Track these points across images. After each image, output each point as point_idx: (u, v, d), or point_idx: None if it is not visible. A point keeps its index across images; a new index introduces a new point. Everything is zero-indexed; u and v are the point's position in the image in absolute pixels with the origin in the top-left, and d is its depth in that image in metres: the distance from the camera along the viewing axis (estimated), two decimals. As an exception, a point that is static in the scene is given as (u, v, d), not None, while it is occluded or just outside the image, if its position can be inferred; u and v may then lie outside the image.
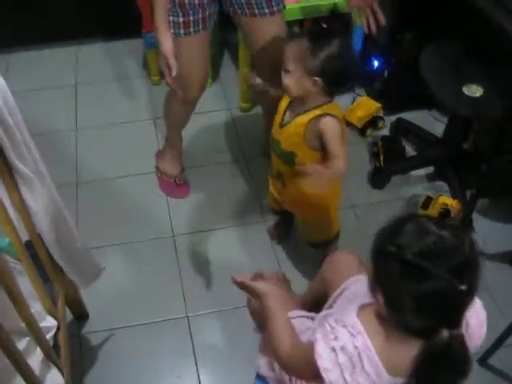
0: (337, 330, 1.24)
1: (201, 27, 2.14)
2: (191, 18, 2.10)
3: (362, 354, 1.21)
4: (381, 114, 2.96)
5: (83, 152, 2.86)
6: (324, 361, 1.23)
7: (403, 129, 2.93)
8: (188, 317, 2.22)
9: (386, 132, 2.94)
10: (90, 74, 3.35)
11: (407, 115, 2.98)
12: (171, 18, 2.06)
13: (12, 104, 1.41)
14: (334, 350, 1.22)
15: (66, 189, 2.62)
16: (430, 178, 2.75)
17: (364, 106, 2.94)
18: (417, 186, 2.71)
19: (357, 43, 2.96)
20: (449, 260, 1.11)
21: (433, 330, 1.16)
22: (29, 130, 1.46)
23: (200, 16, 2.11)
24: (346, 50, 1.83)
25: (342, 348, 1.22)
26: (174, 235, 2.50)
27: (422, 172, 2.77)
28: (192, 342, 2.15)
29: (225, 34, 3.36)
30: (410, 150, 2.86)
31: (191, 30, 2.13)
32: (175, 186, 2.68)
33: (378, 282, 1.20)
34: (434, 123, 2.97)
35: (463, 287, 1.09)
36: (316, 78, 1.79)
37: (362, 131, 2.89)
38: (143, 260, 2.41)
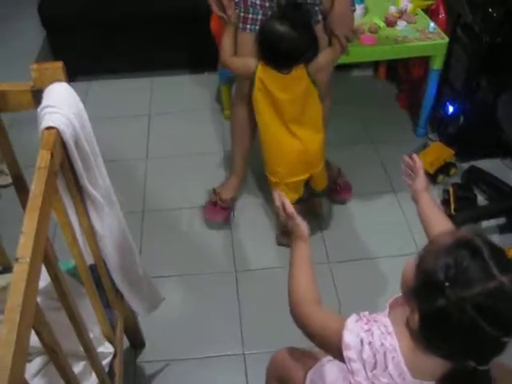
0: (371, 323, 1.20)
1: (257, 27, 2.18)
2: (250, 16, 2.18)
3: (387, 354, 1.16)
4: (453, 161, 2.89)
5: (152, 181, 2.90)
6: (350, 351, 1.18)
7: (475, 177, 2.85)
8: (244, 355, 2.19)
9: (457, 179, 2.86)
10: (165, 104, 3.43)
11: (480, 163, 2.91)
12: (237, 10, 2.19)
13: (88, 129, 1.43)
14: (362, 342, 1.17)
15: (132, 216, 2.64)
16: (502, 229, 2.65)
17: (436, 151, 2.88)
18: (488, 236, 2.61)
19: (432, 88, 2.92)
20: (506, 319, 1.05)
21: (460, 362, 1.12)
22: (102, 155, 1.48)
23: (259, 17, 2.17)
24: (278, 36, 2.06)
25: (370, 343, 1.17)
26: (236, 270, 2.48)
27: (493, 222, 2.68)
28: (247, 381, 2.11)
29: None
30: (481, 199, 2.78)
31: (247, 26, 2.21)
32: (216, 208, 2.67)
33: (419, 304, 1.13)
34: (507, 172, 2.89)
35: (507, 339, 1.05)
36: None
37: (433, 177, 2.83)
38: (203, 293, 2.40)
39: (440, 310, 1.07)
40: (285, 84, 2.19)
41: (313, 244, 2.50)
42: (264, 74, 2.17)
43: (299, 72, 2.18)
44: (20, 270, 0.98)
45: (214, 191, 2.72)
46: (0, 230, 2.00)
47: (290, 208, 1.51)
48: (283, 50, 2.09)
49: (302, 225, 1.50)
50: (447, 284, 1.06)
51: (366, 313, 1.25)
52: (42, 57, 3.62)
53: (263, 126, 2.32)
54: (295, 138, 2.28)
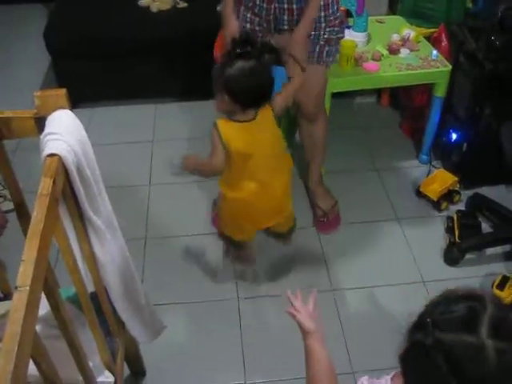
0: None
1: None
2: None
3: None
4: (457, 188, 2.88)
5: (155, 207, 2.89)
6: None
7: (480, 204, 2.83)
8: (246, 384, 2.16)
9: (461, 206, 2.85)
10: (167, 131, 3.43)
11: (484, 190, 2.90)
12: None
13: (91, 156, 1.43)
14: None
15: (135, 243, 2.64)
16: (507, 256, 2.63)
17: (440, 178, 2.88)
18: (492, 264, 2.59)
19: (435, 115, 2.93)
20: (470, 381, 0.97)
21: None
22: (104, 181, 1.48)
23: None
24: (247, 72, 1.93)
25: None
26: (238, 298, 2.46)
27: (498, 250, 2.65)
28: (248, 410, 2.08)
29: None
30: (486, 226, 2.76)
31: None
32: None
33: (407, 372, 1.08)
34: (511, 199, 2.87)
35: None
36: (224, 95, 1.97)
37: (437, 204, 2.82)
38: (205, 321, 2.38)
39: (416, 344, 1.03)
40: (250, 138, 2.05)
41: (316, 271, 2.52)
42: (227, 135, 2.04)
43: (264, 116, 2.06)
44: (19, 298, 0.97)
45: (215, 202, 2.72)
46: (4, 255, 2.00)
47: (292, 310, 1.49)
48: (257, 85, 1.97)
49: (306, 321, 1.44)
50: (429, 320, 1.02)
51: (366, 377, 1.22)
52: (47, 83, 3.65)
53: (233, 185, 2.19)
54: (262, 187, 2.14)
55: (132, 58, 3.42)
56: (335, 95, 2.78)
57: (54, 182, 1.21)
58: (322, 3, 2.24)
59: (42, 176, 1.22)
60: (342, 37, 2.44)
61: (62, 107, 1.39)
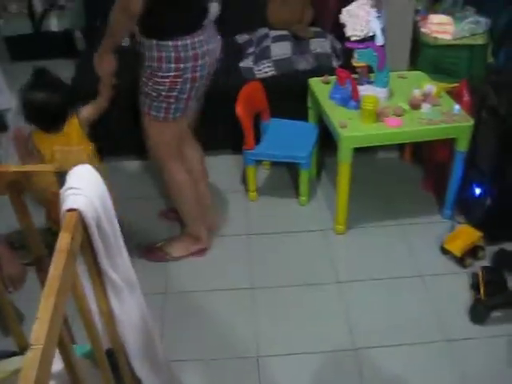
0: None
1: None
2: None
3: None
4: (481, 243, 2.83)
5: (174, 263, 2.87)
6: None
7: (505, 259, 2.77)
8: None
9: (486, 262, 2.79)
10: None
11: (509, 245, 2.84)
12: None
13: (110, 211, 1.43)
14: None
15: (154, 298, 2.62)
16: (535, 315, 2.56)
17: (464, 234, 2.83)
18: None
19: (458, 170, 2.90)
20: None
21: None
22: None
23: None
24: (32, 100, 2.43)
25: None
26: (258, 356, 2.41)
27: (525, 308, 2.59)
28: None
29: (323, 154, 3.42)
30: (512, 283, 2.70)
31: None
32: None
33: None
34: (539, 256, 2.81)
35: None
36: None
37: (461, 260, 2.77)
38: (223, 379, 2.33)
39: None
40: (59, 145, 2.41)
41: (338, 329, 2.46)
42: (40, 144, 2.51)
43: (71, 129, 2.53)
44: (32, 356, 0.96)
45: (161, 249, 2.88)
46: (25, 306, 1.98)
47: None
48: (52, 111, 2.45)
49: None
50: None
51: None
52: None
53: None
54: None
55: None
56: (357, 150, 2.77)
57: (72, 238, 1.20)
58: (154, 55, 2.31)
59: (61, 231, 1.22)
60: (169, 96, 2.39)
61: (82, 162, 1.39)
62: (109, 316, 1.48)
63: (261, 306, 2.63)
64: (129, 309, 1.51)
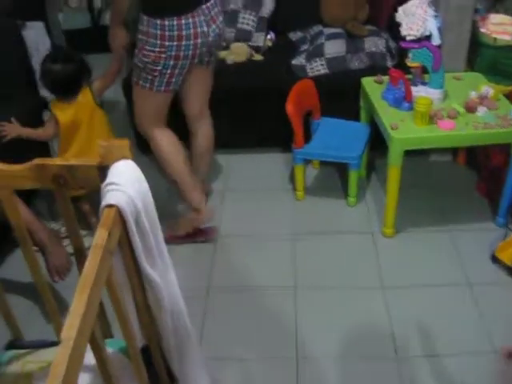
0: None
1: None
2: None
3: None
4: (536, 254, 2.73)
5: (220, 259, 2.88)
6: None
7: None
8: None
9: (540, 273, 2.69)
10: (239, 181, 3.45)
11: None
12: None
13: (151, 207, 1.43)
14: None
15: (197, 292, 2.64)
16: None
17: (517, 242, 2.74)
18: None
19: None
20: None
21: None
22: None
23: None
24: (52, 74, 2.73)
25: None
26: (297, 357, 2.38)
27: None
28: None
29: (373, 155, 3.36)
30: None
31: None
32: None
33: None
34: None
35: None
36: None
37: (513, 270, 2.68)
38: (262, 379, 2.30)
39: None
40: (73, 113, 2.76)
41: (380, 338, 2.41)
42: (57, 111, 2.77)
43: (85, 99, 2.78)
44: (62, 352, 0.96)
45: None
46: (70, 294, 2.00)
47: None
48: (64, 81, 2.72)
49: None
50: None
51: None
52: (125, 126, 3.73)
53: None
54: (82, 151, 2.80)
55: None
56: (409, 152, 2.71)
57: (109, 234, 1.20)
58: (144, 29, 2.49)
59: (99, 226, 1.22)
60: (153, 69, 2.54)
61: (126, 157, 1.39)
62: (145, 312, 1.48)
63: (303, 306, 2.59)
64: (166, 307, 1.51)
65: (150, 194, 1.42)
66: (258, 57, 3.59)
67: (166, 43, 2.45)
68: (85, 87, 2.79)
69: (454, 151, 3.51)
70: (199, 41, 2.50)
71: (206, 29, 2.51)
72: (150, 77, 2.57)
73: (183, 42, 2.47)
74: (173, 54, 2.49)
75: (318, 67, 3.37)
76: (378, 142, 2.99)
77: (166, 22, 2.42)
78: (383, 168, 2.93)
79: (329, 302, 2.61)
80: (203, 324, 2.51)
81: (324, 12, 3.69)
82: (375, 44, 3.41)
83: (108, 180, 1.34)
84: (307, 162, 3.30)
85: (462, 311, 2.54)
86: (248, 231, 3.04)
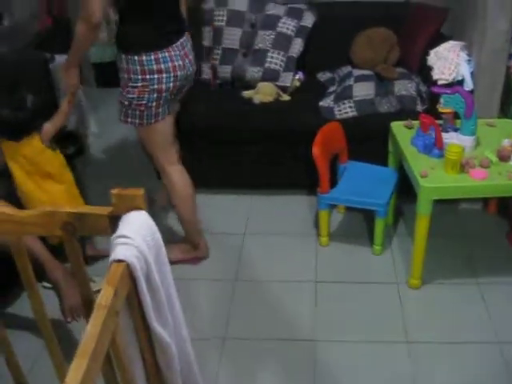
0: None
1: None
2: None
3: None
4: None
5: (238, 305, 2.78)
6: None
7: None
8: None
9: None
10: (261, 223, 3.37)
11: None
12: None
13: (163, 260, 1.36)
14: None
15: (213, 341, 2.53)
16: None
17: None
18: None
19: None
20: None
21: None
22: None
23: None
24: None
25: None
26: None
27: None
28: None
29: (400, 200, 3.25)
30: None
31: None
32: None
33: None
34: None
35: None
36: None
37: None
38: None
39: None
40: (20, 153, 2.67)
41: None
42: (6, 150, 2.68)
43: (32, 140, 2.67)
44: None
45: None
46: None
47: None
48: (12, 124, 2.61)
49: None
50: None
51: None
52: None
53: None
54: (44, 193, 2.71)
55: (230, 147, 3.42)
56: (438, 199, 2.60)
57: (115, 292, 1.12)
58: (124, 67, 2.53)
59: (105, 283, 1.14)
60: (139, 104, 2.57)
61: (138, 208, 1.32)
62: (154, 372, 1.39)
63: (325, 360, 2.47)
64: (175, 365, 1.42)
65: (163, 247, 1.34)
66: (286, 97, 3.53)
67: (147, 76, 2.51)
68: (34, 130, 2.71)
69: (485, 199, 3.39)
70: (178, 73, 2.58)
71: (181, 63, 2.59)
72: (137, 112, 2.61)
73: (164, 75, 2.54)
74: (155, 87, 2.54)
75: (346, 109, 3.29)
76: (405, 188, 2.90)
77: (144, 57, 2.49)
78: (411, 215, 2.83)
79: (351, 357, 2.48)
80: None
81: (353, 53, 3.63)
82: (405, 87, 3.32)
83: (118, 232, 1.26)
84: (332, 206, 3.21)
85: (491, 372, 2.40)
86: (268, 276, 2.94)
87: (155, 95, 2.57)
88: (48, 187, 2.74)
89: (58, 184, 2.76)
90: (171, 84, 2.58)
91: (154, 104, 2.59)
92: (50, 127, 2.75)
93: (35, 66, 3.35)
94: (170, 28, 2.57)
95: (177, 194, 2.87)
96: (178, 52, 2.58)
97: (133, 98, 2.56)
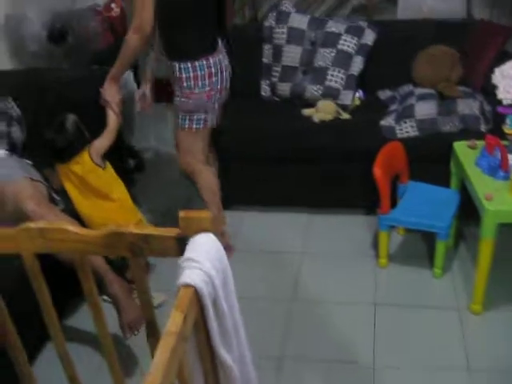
0: None
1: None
2: None
3: None
4: None
5: (297, 325, 2.75)
6: None
7: None
8: None
9: None
10: (319, 242, 3.34)
11: None
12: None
13: (231, 287, 1.34)
14: None
15: (269, 363, 2.51)
16: None
17: None
18: None
19: None
20: None
21: None
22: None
23: None
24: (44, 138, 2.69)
25: None
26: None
27: None
28: None
29: (463, 223, 3.17)
30: None
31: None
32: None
33: None
34: None
35: None
36: None
37: None
38: None
39: None
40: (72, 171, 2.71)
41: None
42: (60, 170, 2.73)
43: (81, 159, 2.69)
44: None
45: None
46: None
47: None
48: (55, 148, 2.67)
49: None
50: None
51: None
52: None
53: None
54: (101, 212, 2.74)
55: (289, 165, 3.41)
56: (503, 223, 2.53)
57: (185, 318, 1.11)
58: (177, 75, 2.70)
59: (174, 308, 1.13)
60: (187, 110, 2.76)
61: (206, 230, 1.31)
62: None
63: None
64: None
65: (229, 272, 1.33)
66: (346, 115, 3.49)
67: (200, 82, 2.69)
68: (82, 150, 2.72)
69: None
70: (225, 74, 2.80)
71: (226, 63, 2.82)
72: (187, 116, 2.78)
73: (213, 78, 2.73)
74: (206, 90, 2.72)
75: (408, 129, 3.23)
76: (468, 210, 2.82)
77: (196, 63, 2.67)
78: (473, 237, 2.75)
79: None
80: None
81: (415, 71, 3.57)
82: (469, 107, 3.24)
83: (186, 255, 1.26)
84: (392, 227, 3.15)
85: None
86: (325, 297, 2.90)
87: (205, 100, 2.74)
88: (102, 205, 2.77)
89: (110, 202, 2.79)
90: (217, 86, 2.76)
91: (216, 106, 2.81)
92: (98, 144, 2.77)
93: (93, 83, 3.39)
94: (212, 34, 2.74)
95: (209, 189, 3.00)
96: (221, 55, 2.78)
97: (186, 102, 2.74)
